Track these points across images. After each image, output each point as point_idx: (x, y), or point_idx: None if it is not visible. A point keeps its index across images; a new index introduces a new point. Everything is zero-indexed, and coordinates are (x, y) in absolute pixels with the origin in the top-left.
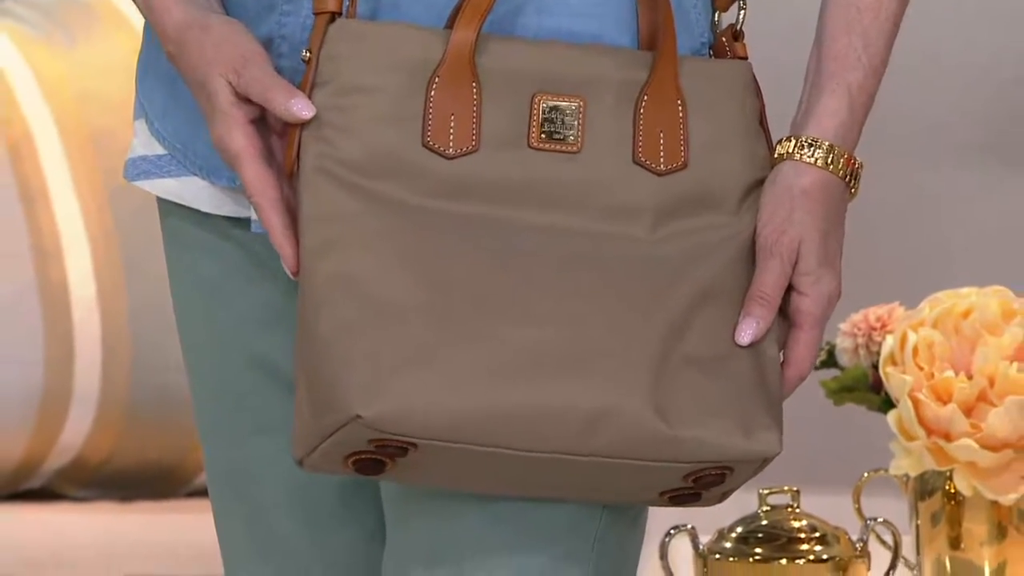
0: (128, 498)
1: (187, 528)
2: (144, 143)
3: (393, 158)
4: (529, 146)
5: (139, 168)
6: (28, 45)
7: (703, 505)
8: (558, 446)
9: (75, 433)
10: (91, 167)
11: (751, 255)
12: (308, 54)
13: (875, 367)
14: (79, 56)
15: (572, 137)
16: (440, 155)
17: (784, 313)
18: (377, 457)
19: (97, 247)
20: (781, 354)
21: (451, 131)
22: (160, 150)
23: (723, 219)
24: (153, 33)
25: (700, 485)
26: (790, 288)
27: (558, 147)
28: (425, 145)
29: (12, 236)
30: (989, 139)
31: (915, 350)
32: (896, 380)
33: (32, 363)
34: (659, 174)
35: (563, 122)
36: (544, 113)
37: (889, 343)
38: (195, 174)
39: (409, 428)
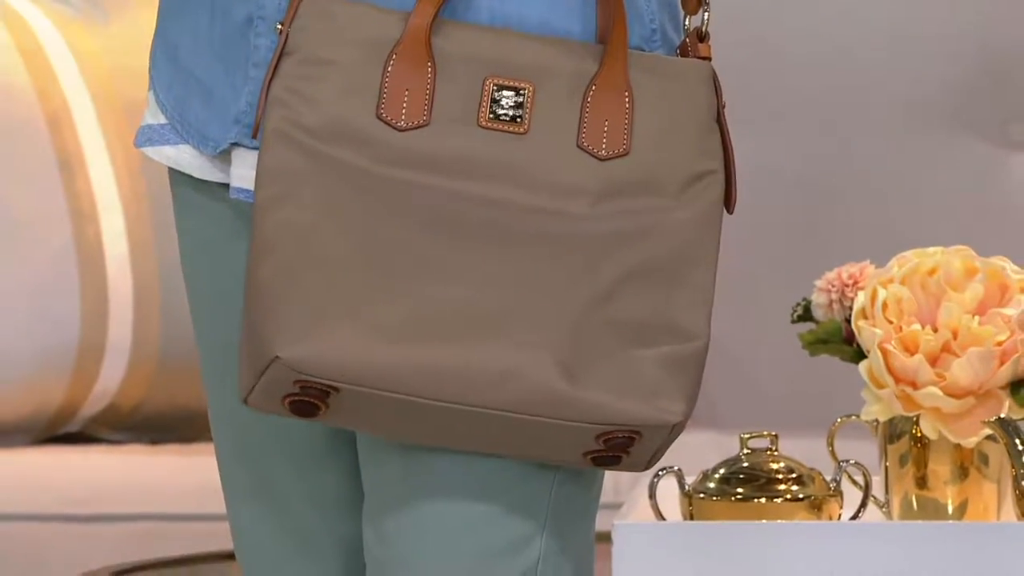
0: (158, 441)
1: (212, 469)
2: (152, 112)
3: (347, 126)
4: (478, 125)
5: (145, 135)
6: (65, 23)
7: (627, 470)
8: (466, 399)
9: (109, 381)
10: (124, 135)
11: (690, 237)
12: (281, 27)
13: (848, 321)
14: (112, 32)
15: (520, 119)
16: (392, 127)
17: None
18: (307, 399)
19: (129, 209)
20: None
21: (404, 105)
22: (163, 119)
23: (663, 202)
24: (164, 10)
25: (610, 447)
26: None
27: (506, 127)
28: (378, 117)
29: (51, 200)
30: (955, 109)
31: (885, 305)
32: (867, 333)
33: (69, 317)
34: (600, 159)
35: (511, 105)
36: (494, 95)
37: (861, 299)
38: (188, 142)
39: (326, 371)
